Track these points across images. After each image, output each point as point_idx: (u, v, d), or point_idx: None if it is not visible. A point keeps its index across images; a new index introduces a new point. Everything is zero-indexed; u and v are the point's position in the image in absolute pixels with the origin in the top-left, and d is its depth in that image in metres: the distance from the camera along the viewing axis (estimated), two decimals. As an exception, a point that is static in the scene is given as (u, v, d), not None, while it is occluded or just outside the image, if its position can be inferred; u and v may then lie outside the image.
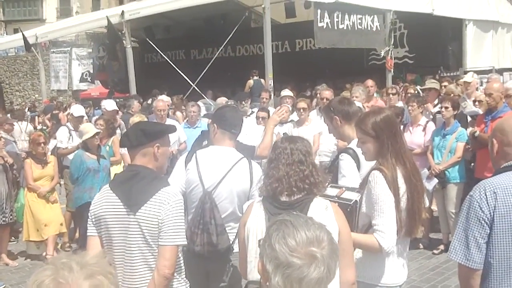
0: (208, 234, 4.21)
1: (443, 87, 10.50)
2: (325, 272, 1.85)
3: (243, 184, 4.32)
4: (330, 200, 3.43)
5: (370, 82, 10.86)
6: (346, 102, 4.74)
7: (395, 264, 3.66)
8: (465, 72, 13.83)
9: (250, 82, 15.42)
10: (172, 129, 3.83)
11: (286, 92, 10.98)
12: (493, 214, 2.98)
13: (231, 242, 4.30)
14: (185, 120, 10.23)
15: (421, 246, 8.15)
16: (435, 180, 7.83)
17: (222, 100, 8.90)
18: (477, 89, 10.48)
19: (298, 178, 3.22)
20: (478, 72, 13.62)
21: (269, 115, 9.10)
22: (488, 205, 2.99)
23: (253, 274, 3.23)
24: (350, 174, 4.19)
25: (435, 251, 8.04)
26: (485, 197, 3.00)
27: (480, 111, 8.19)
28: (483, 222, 2.99)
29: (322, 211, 3.14)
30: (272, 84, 12.78)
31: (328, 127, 4.77)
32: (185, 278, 3.64)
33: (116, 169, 8.42)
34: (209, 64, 14.65)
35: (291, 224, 1.93)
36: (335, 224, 3.07)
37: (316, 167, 3.33)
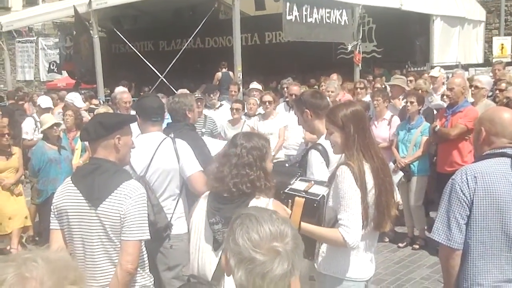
0: None
1: (409, 82, 10.60)
2: (289, 268, 1.84)
3: (170, 162, 4.52)
4: (297, 195, 3.46)
5: (335, 76, 10.92)
6: (318, 96, 4.76)
7: (362, 259, 3.69)
8: (432, 67, 13.97)
9: (219, 74, 15.37)
10: (133, 119, 3.82)
11: (254, 85, 10.97)
12: (473, 197, 3.16)
13: (169, 220, 4.52)
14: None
15: (387, 240, 8.24)
16: (400, 174, 7.92)
17: (183, 91, 8.84)
18: (443, 83, 10.61)
19: (242, 181, 3.27)
20: (445, 67, 13.77)
21: (243, 107, 9.09)
22: (469, 188, 3.17)
23: (193, 264, 3.32)
24: (318, 171, 4.21)
25: (400, 245, 8.14)
26: (466, 180, 3.19)
27: (445, 105, 8.30)
28: (464, 203, 3.18)
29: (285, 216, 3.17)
30: (241, 77, 12.74)
31: (298, 119, 4.78)
32: (149, 273, 3.62)
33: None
34: (178, 56, 14.53)
35: (255, 219, 1.91)
36: None
37: (266, 173, 3.37)
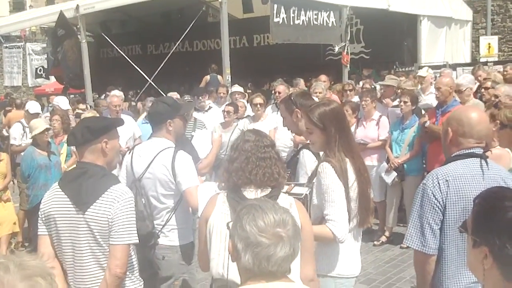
0: None
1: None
2: (290, 251, 2.08)
3: (164, 172, 4.35)
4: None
5: (323, 77, 10.95)
6: (307, 97, 4.79)
7: (350, 256, 3.71)
8: (420, 67, 14.03)
9: (207, 77, 15.36)
10: (119, 122, 3.78)
11: (236, 88, 10.96)
12: (446, 201, 3.12)
13: (152, 230, 4.35)
14: (143, 116, 10.10)
15: (382, 240, 8.25)
16: (394, 174, 7.95)
17: (173, 95, 8.82)
18: (431, 83, 10.65)
19: (266, 174, 3.19)
20: (433, 67, 13.82)
21: (236, 110, 9.07)
22: (441, 192, 3.13)
23: (217, 270, 3.19)
24: (312, 170, 4.21)
25: (376, 242, 8.17)
26: (437, 184, 3.15)
27: (434, 105, 8.33)
28: (436, 208, 3.14)
29: (287, 208, 3.14)
30: (229, 79, 12.75)
31: (285, 120, 4.74)
32: (138, 276, 3.60)
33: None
34: (166, 59, 14.52)
35: (260, 208, 2.13)
36: (298, 222, 3.07)
37: (281, 163, 3.32)
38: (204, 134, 7.08)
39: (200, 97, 9.53)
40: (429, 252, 3.19)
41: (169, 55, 14.90)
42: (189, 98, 8.98)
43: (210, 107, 9.80)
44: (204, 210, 3.36)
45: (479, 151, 3.28)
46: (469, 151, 3.26)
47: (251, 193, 3.17)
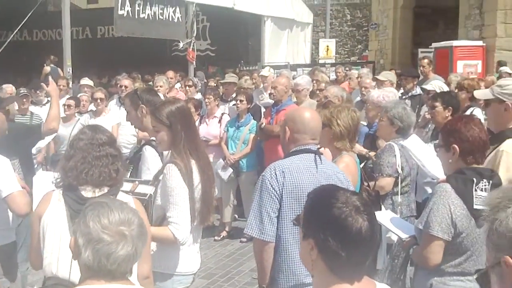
0: None
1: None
2: (132, 251, 2.06)
3: None
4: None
5: (171, 74, 10.96)
6: (153, 93, 4.76)
7: (189, 253, 3.75)
8: (263, 67, 14.45)
9: (47, 69, 14.64)
10: None
11: (85, 81, 10.60)
12: (282, 191, 3.36)
13: None
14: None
15: (223, 235, 8.39)
16: (230, 170, 8.14)
17: (7, 87, 8.34)
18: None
19: (103, 173, 3.12)
20: (275, 67, 14.30)
21: (77, 104, 8.74)
22: (278, 182, 3.36)
23: (50, 269, 3.09)
24: (154, 167, 4.15)
25: (216, 238, 8.32)
26: (275, 175, 3.38)
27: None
28: (274, 197, 3.35)
29: None
30: (70, 72, 12.26)
31: (129, 114, 4.67)
32: None
33: None
34: (1, 49, 13.63)
35: (107, 205, 2.11)
36: None
37: (119, 160, 3.25)
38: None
39: (38, 91, 9.10)
40: (267, 239, 3.37)
41: (5, 44, 14.02)
42: (25, 91, 8.53)
43: (48, 101, 9.39)
44: (38, 206, 3.24)
45: (314, 147, 3.59)
46: (305, 147, 3.54)
47: (88, 192, 3.11)
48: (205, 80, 14.43)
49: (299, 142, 3.56)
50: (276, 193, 3.36)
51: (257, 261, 3.57)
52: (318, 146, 3.73)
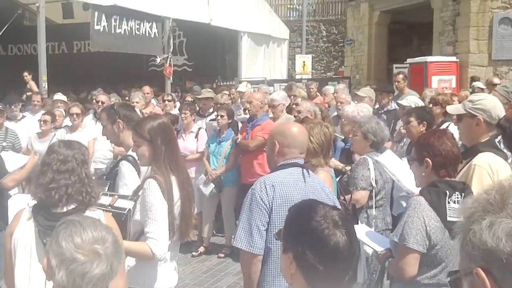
0: None
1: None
2: (108, 269, 2.01)
3: None
4: (104, 210, 3.39)
5: (147, 89, 10.94)
6: (131, 108, 4.77)
7: (167, 269, 3.74)
8: (240, 82, 14.52)
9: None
10: None
11: (59, 96, 10.53)
12: (272, 204, 3.37)
13: None
14: None
15: (201, 251, 8.34)
16: (212, 185, 8.13)
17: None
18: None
19: (70, 189, 3.11)
20: (252, 82, 14.40)
21: (53, 119, 8.68)
22: (268, 195, 3.38)
23: (22, 287, 3.07)
24: (131, 182, 4.16)
25: (194, 253, 8.28)
26: (265, 189, 3.39)
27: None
28: (264, 210, 3.36)
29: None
30: (46, 87, 12.17)
31: (105, 129, 4.64)
32: None
33: None
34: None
35: (79, 224, 2.06)
36: None
37: (90, 178, 3.26)
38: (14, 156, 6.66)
39: (13, 106, 9.04)
40: (255, 252, 3.38)
41: (-20, 58, 13.92)
42: (0, 106, 8.46)
43: (23, 116, 9.33)
44: (9, 224, 3.24)
45: (301, 161, 3.62)
46: (293, 161, 3.57)
47: (57, 208, 3.10)
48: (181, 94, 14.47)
49: (288, 156, 3.59)
50: (266, 206, 3.37)
51: (244, 274, 3.56)
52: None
